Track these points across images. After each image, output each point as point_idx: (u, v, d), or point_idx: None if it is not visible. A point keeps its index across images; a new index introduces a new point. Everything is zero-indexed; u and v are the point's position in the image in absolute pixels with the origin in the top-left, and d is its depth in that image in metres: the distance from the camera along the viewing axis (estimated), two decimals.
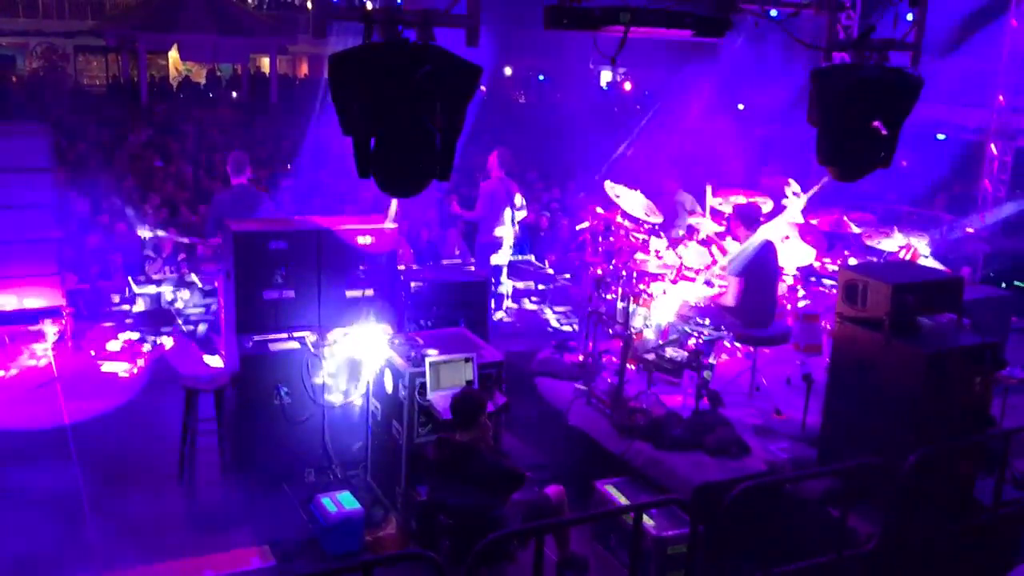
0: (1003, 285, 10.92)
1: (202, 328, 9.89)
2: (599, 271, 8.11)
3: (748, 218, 7.57)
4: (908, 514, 5.33)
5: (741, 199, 9.13)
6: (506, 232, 9.77)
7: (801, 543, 5.34)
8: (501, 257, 9.79)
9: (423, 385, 5.90)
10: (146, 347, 9.29)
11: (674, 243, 8.39)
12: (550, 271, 12.38)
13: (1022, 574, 4.90)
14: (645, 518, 5.37)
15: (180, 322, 10.07)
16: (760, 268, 7.33)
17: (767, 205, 9.21)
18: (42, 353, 8.97)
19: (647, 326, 7.48)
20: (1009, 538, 5.88)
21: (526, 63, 38.59)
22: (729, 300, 7.28)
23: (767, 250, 7.51)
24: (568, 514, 5.56)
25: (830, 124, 5.88)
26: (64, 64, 34.38)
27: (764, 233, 8.02)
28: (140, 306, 10.33)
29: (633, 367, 7.17)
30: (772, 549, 5.01)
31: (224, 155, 17.18)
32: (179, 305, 10.47)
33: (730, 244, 8.12)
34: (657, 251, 8.20)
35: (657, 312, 7.46)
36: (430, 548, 4.98)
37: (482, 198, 9.72)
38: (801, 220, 9.24)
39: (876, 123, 5.50)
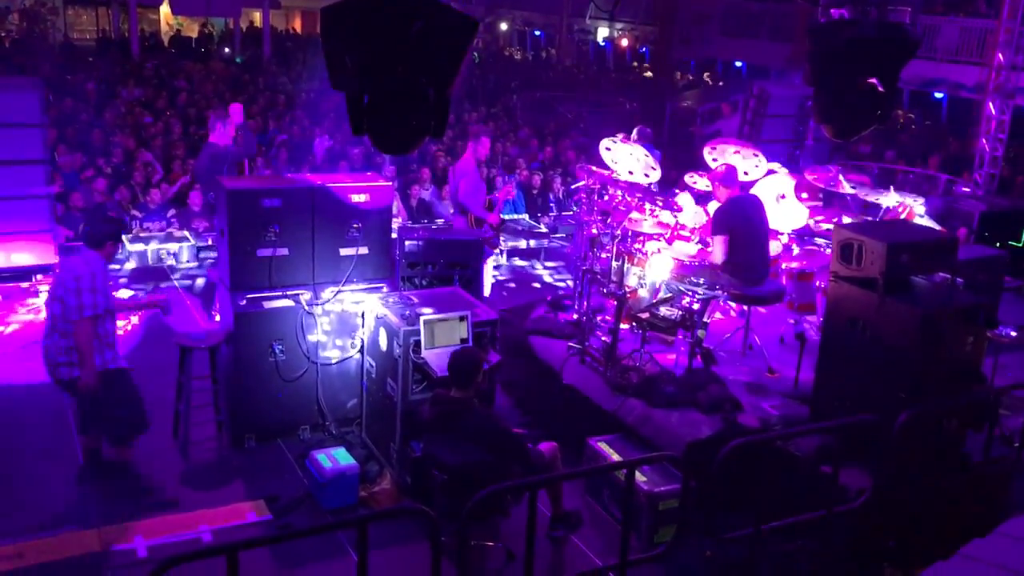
0: (997, 244, 10.93)
1: (200, 283, 9.89)
2: (594, 230, 8.08)
3: (726, 178, 7.52)
4: (899, 470, 5.38)
5: (735, 153, 9.07)
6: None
7: (792, 499, 5.39)
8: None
9: (418, 343, 5.92)
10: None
11: (669, 204, 8.35)
12: (543, 230, 12.39)
13: (1010, 529, 4.96)
14: (637, 474, 5.42)
15: (175, 278, 10.07)
16: (743, 222, 7.27)
17: (761, 163, 9.15)
18: (35, 309, 8.95)
19: (641, 285, 7.48)
20: (997, 494, 5.95)
21: (521, 18, 38.20)
22: (716, 258, 7.26)
23: (747, 203, 7.45)
24: (561, 470, 5.61)
25: (826, 82, 5.84)
26: (53, 18, 33.85)
27: (757, 191, 8.00)
28: (133, 263, 10.35)
29: (627, 326, 7.18)
30: (763, 505, 5.06)
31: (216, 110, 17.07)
32: (172, 262, 10.49)
33: (713, 205, 8.10)
34: (652, 210, 8.16)
35: (651, 271, 7.46)
36: (424, 503, 5.03)
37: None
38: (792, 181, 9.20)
39: (872, 80, 5.46)
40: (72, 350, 5.72)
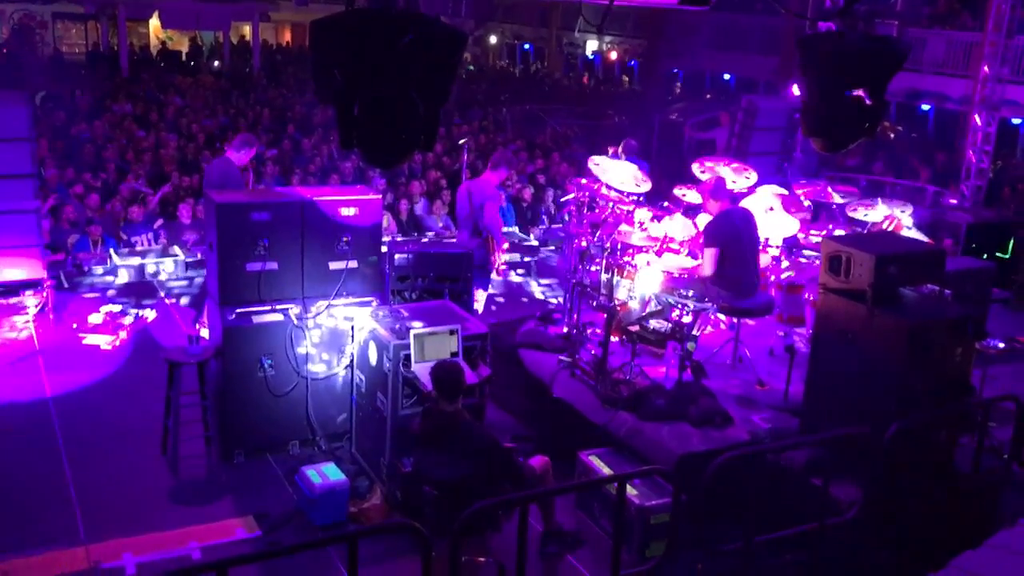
0: (984, 256, 10.99)
1: (184, 301, 9.85)
2: (583, 243, 8.09)
3: (716, 190, 7.54)
4: (889, 482, 5.39)
5: (725, 170, 9.12)
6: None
7: (783, 512, 5.39)
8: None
9: (408, 357, 5.90)
10: (128, 319, 9.25)
11: (659, 215, 8.38)
12: (534, 243, 12.40)
13: (1001, 541, 4.97)
14: (628, 488, 5.41)
15: (163, 294, 10.02)
16: (734, 235, 7.30)
17: (752, 177, 9.20)
18: (23, 325, 8.90)
19: (631, 298, 7.49)
20: (988, 505, 5.96)
21: (511, 31, 38.37)
22: (706, 270, 7.28)
23: (738, 216, 7.47)
24: (552, 484, 5.59)
25: (815, 94, 5.87)
26: (43, 31, 33.79)
27: (746, 204, 8.03)
28: (122, 278, 10.30)
29: (617, 339, 7.18)
30: (754, 518, 5.05)
31: (204, 124, 17.09)
32: (162, 277, 10.44)
33: (702, 218, 8.13)
34: (641, 223, 8.19)
35: (641, 284, 7.46)
36: (415, 518, 5.01)
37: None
38: (785, 191, 9.25)
39: (859, 92, 5.49)
40: None
